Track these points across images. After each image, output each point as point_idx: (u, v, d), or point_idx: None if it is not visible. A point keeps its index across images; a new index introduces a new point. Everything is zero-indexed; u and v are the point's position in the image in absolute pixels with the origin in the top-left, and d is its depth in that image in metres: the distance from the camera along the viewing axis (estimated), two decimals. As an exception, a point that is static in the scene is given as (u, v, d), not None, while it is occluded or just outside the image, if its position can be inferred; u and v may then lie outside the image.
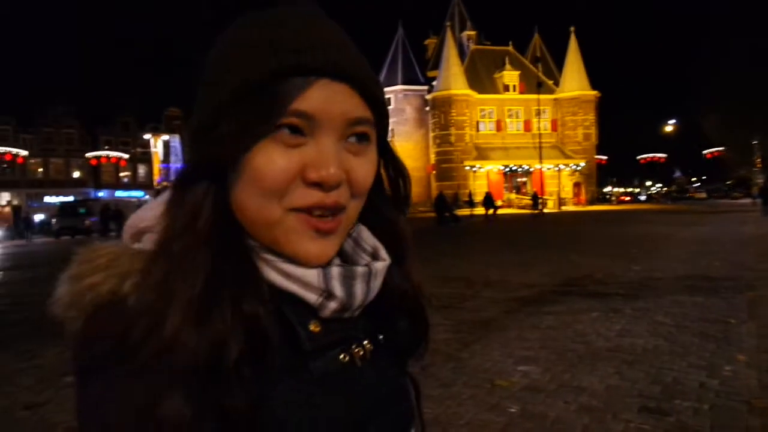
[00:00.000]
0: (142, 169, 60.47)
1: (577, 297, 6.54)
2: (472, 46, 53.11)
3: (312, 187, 0.46)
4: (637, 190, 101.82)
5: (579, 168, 47.47)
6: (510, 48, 52.08)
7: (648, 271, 8.44)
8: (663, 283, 7.32)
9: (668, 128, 61.03)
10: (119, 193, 56.72)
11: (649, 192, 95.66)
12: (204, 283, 0.43)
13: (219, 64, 0.47)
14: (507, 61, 49.71)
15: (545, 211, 36.81)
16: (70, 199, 41.11)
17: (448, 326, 5.26)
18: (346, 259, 0.54)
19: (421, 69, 55.80)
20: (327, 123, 0.46)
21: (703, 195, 77.13)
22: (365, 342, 0.53)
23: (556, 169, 46.78)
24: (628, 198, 69.30)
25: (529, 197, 43.65)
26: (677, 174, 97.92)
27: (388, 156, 0.55)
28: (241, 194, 0.47)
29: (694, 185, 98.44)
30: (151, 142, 52.42)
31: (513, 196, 46.50)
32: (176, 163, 63.85)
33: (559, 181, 46.81)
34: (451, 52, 46.98)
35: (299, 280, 0.48)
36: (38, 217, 42.74)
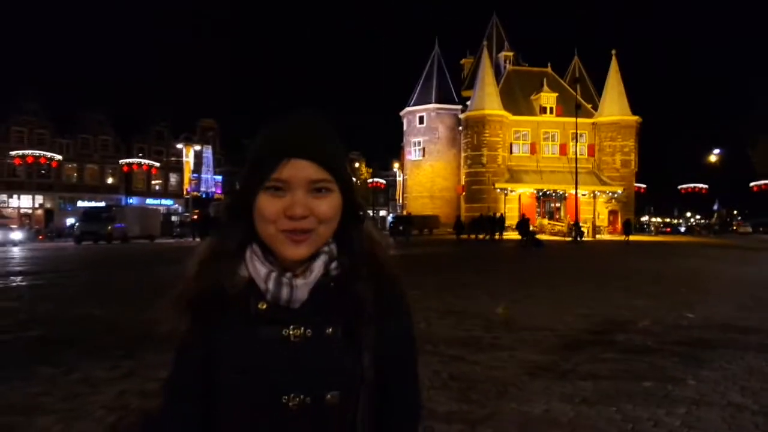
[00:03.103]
0: (173, 178, 60.88)
1: (620, 354, 5.25)
2: (509, 67, 51.95)
3: (289, 219, 0.83)
4: (676, 220, 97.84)
5: (616, 195, 45.43)
6: (548, 69, 50.74)
7: (706, 321, 7.05)
8: (729, 339, 5.94)
9: (713, 158, 58.19)
10: (150, 201, 57.11)
11: (689, 223, 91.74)
12: (222, 251, 0.87)
13: (252, 148, 0.88)
14: (545, 82, 48.36)
15: (580, 239, 35.13)
16: (92, 204, 41.38)
17: (454, 390, 4.07)
18: (308, 266, 0.86)
19: (456, 88, 54.89)
20: (295, 183, 0.83)
21: (749, 229, 73.16)
22: (303, 328, 0.84)
23: (592, 195, 44.86)
24: (668, 229, 66.21)
25: (565, 224, 41.85)
26: (717, 206, 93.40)
27: (349, 196, 0.89)
28: (256, 221, 0.85)
29: (736, 218, 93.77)
30: (183, 151, 52.61)
31: (545, 221, 44.68)
32: (207, 174, 64.12)
33: (595, 208, 44.83)
34: (486, 71, 45.93)
35: (258, 276, 0.85)
36: (70, 221, 43.14)
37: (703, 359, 5.02)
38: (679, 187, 66.62)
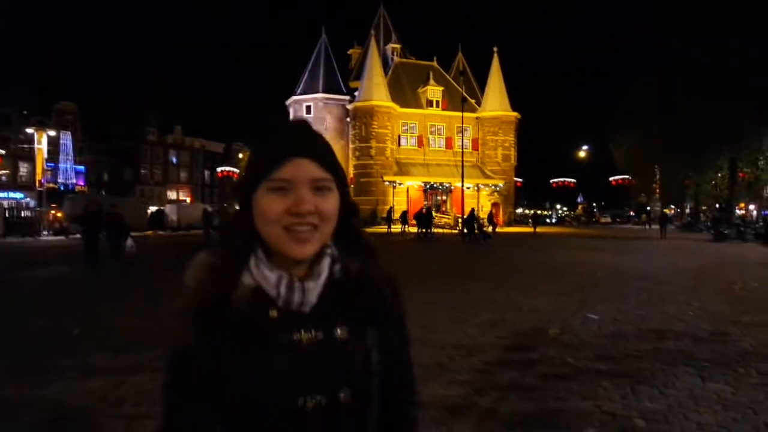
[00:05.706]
0: (24, 168, 53.24)
1: (541, 379, 4.33)
2: (397, 59, 51.77)
3: (294, 216, 0.83)
4: (547, 212, 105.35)
5: (498, 188, 47.16)
6: (434, 63, 51.27)
7: (612, 323, 6.50)
8: (644, 346, 5.33)
9: (582, 153, 62.91)
10: (-6, 194, 49.40)
11: (559, 215, 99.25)
12: (223, 261, 0.86)
13: (252, 152, 0.90)
14: (431, 76, 48.77)
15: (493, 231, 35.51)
16: None
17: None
18: (312, 268, 0.87)
19: (343, 78, 53.67)
20: (299, 182, 0.83)
21: (608, 220, 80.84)
22: (313, 331, 0.85)
23: (476, 188, 46.13)
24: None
25: (452, 216, 42.42)
26: (580, 199, 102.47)
27: (345, 197, 0.90)
28: (258, 222, 0.85)
29: (595, 210, 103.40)
30: (35, 137, 45.90)
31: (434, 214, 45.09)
32: (66, 163, 56.95)
33: (479, 201, 46.16)
34: (374, 62, 45.23)
35: (268, 282, 0.85)
36: None
37: (637, 381, 4.23)
38: (551, 180, 71.28)
